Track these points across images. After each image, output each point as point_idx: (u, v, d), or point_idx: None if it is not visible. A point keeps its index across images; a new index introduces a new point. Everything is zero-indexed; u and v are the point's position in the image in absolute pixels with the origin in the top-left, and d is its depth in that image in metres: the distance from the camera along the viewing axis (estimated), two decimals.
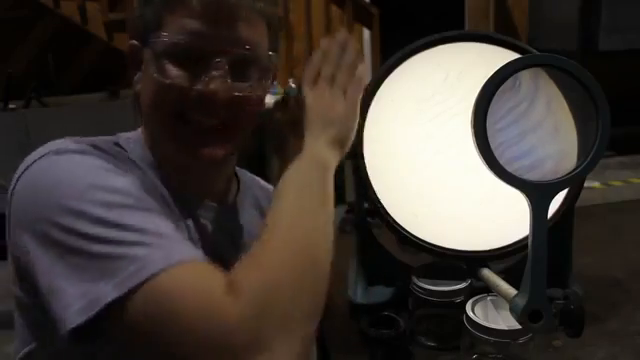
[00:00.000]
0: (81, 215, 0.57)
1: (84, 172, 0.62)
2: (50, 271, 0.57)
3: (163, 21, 0.68)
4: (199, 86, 0.67)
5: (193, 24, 0.66)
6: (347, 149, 0.74)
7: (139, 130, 0.77)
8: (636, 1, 4.32)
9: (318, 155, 0.70)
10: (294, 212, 0.64)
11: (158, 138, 0.73)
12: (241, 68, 0.69)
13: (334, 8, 3.70)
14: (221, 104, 0.67)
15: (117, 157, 0.69)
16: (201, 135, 0.69)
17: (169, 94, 0.67)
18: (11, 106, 3.24)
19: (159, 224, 0.59)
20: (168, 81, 0.67)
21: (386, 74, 0.82)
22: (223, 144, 0.71)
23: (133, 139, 0.75)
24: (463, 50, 0.82)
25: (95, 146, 0.67)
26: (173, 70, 0.67)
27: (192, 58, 0.67)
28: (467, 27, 4.58)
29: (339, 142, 0.72)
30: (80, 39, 3.77)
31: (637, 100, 4.21)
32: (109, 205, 0.58)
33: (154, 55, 0.68)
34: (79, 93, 3.63)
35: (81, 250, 0.56)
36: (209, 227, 0.76)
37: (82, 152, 0.64)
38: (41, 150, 0.65)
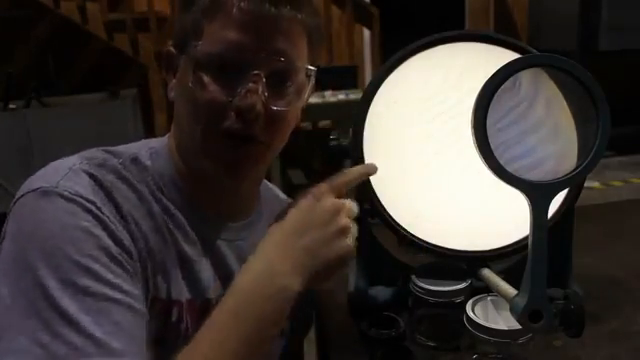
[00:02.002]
0: (38, 284, 0.55)
1: (59, 232, 0.58)
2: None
3: (202, 30, 0.66)
4: (236, 99, 0.65)
5: (232, 34, 0.64)
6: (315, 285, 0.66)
7: (165, 137, 0.75)
8: (636, 1, 4.32)
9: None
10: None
11: (190, 147, 0.70)
12: (278, 81, 0.67)
13: (334, 8, 3.70)
14: (257, 118, 0.65)
15: (124, 182, 0.66)
16: (232, 143, 0.67)
17: (205, 106, 0.66)
18: (11, 106, 3.24)
19: (116, 323, 0.56)
20: (204, 93, 0.65)
21: (386, 74, 0.82)
22: (253, 156, 0.70)
23: (157, 149, 0.73)
24: (463, 50, 0.82)
25: (97, 180, 0.63)
26: (209, 81, 0.65)
27: (229, 69, 0.65)
28: (467, 27, 4.58)
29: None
30: (80, 39, 3.77)
31: (637, 100, 4.21)
32: (69, 285, 0.55)
33: (191, 64, 0.66)
34: (79, 93, 3.62)
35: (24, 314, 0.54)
36: (223, 248, 0.75)
37: (70, 200, 0.60)
38: (34, 179, 0.62)
